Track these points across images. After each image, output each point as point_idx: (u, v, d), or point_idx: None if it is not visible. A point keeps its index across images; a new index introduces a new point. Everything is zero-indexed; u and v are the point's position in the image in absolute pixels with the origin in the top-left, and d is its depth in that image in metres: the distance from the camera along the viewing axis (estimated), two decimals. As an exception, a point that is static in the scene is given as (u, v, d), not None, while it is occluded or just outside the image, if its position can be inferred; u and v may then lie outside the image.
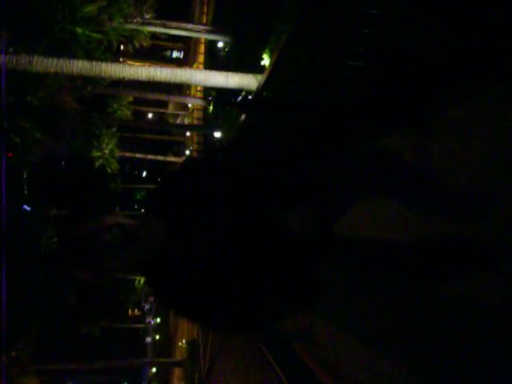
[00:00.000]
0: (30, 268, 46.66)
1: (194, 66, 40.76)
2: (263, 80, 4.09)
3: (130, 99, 34.05)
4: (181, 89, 47.44)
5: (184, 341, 28.83)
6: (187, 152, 42.09)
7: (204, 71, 15.52)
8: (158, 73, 12.68)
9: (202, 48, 38.98)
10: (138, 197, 72.99)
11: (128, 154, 40.01)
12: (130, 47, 28.47)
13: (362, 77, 3.86)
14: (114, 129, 31.07)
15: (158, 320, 60.73)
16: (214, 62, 27.64)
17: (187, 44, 56.96)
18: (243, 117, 5.32)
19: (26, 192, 46.07)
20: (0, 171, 22.11)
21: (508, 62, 2.97)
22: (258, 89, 4.32)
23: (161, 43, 54.81)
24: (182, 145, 52.16)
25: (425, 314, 3.74)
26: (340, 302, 5.56)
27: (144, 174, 76.22)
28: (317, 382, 5.79)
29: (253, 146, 6.63)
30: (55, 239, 46.68)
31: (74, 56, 17.18)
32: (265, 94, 4.32)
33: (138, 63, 32.33)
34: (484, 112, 3.26)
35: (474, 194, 3.23)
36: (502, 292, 2.81)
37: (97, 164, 31.26)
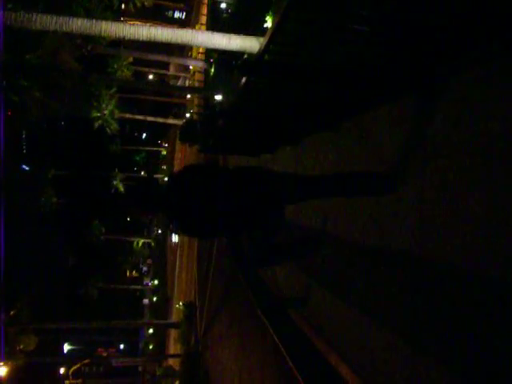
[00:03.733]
0: (30, 228, 46.87)
1: (197, 27, 40.27)
2: (265, 43, 3.98)
3: (131, 60, 33.73)
4: (182, 50, 47.01)
5: (181, 303, 29.06)
6: (187, 114, 41.84)
7: (206, 32, 15.31)
8: (159, 33, 12.50)
9: (204, 9, 38.43)
10: (138, 159, 73.03)
11: (128, 116, 39.74)
12: (131, 6, 28.14)
13: (366, 42, 3.76)
14: (114, 89, 30.87)
15: (156, 282, 61.30)
16: (217, 23, 27.27)
17: (190, 4, 56.30)
18: (244, 80, 5.20)
19: (24, 152, 46.01)
20: (-2, 130, 22.02)
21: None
22: (259, 52, 4.22)
23: (163, 3, 54.21)
24: (183, 107, 51.85)
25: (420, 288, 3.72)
26: (336, 269, 5.56)
27: (144, 135, 76.13)
28: (313, 349, 5.82)
29: (252, 112, 6.57)
30: (54, 199, 46.82)
31: (73, 14, 16.93)
32: (266, 57, 4.23)
33: (138, 23, 31.95)
34: (489, 80, 3.17)
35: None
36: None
37: (96, 125, 31.16)
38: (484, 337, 2.95)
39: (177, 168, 49.56)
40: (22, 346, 31.74)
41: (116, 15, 28.01)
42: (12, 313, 32.11)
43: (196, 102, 39.02)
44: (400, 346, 3.96)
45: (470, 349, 3.07)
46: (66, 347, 56.03)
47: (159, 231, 64.18)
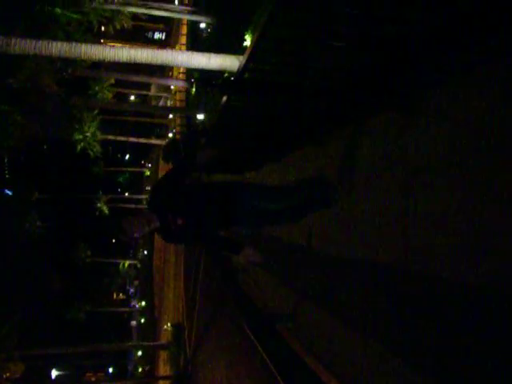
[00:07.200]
0: (14, 253, 46.41)
1: (177, 47, 40.48)
2: (244, 61, 4.01)
3: (112, 81, 33.67)
4: (163, 71, 47.09)
5: (169, 324, 28.89)
6: (170, 134, 41.88)
7: (186, 52, 15.38)
8: (139, 54, 12.52)
9: (184, 29, 38.65)
10: (121, 180, 72.77)
11: (110, 137, 39.61)
12: (110, 28, 28.18)
13: (345, 58, 3.80)
14: (96, 111, 30.76)
15: (143, 303, 60.83)
16: (197, 43, 27.39)
17: (169, 25, 56.55)
18: (224, 98, 5.24)
19: (7, 176, 45.67)
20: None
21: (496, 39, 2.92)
22: (238, 70, 4.25)
23: (142, 24, 54.30)
24: (165, 127, 51.87)
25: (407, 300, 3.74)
26: (323, 284, 5.56)
27: (127, 156, 75.95)
28: (302, 364, 5.79)
29: (234, 130, 6.61)
30: (38, 222, 46.46)
31: (53, 37, 16.92)
32: (246, 75, 4.25)
33: (119, 45, 32.02)
34: (468, 93, 3.22)
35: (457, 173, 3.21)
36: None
37: (79, 147, 31.00)
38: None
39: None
40: (8, 374, 31.15)
41: (96, 37, 28.03)
42: (-2, 340, 31.62)
43: (178, 121, 39.07)
44: (391, 359, 3.96)
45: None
46: (54, 373, 55.13)
47: (145, 252, 63.86)
